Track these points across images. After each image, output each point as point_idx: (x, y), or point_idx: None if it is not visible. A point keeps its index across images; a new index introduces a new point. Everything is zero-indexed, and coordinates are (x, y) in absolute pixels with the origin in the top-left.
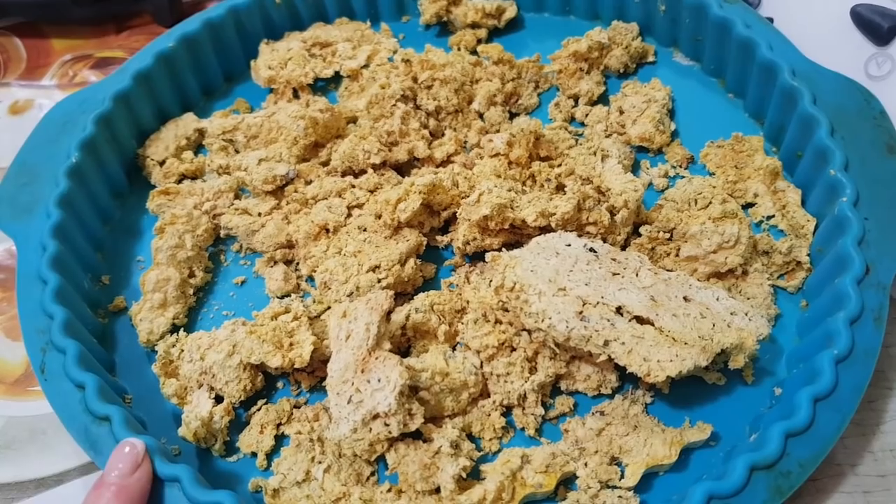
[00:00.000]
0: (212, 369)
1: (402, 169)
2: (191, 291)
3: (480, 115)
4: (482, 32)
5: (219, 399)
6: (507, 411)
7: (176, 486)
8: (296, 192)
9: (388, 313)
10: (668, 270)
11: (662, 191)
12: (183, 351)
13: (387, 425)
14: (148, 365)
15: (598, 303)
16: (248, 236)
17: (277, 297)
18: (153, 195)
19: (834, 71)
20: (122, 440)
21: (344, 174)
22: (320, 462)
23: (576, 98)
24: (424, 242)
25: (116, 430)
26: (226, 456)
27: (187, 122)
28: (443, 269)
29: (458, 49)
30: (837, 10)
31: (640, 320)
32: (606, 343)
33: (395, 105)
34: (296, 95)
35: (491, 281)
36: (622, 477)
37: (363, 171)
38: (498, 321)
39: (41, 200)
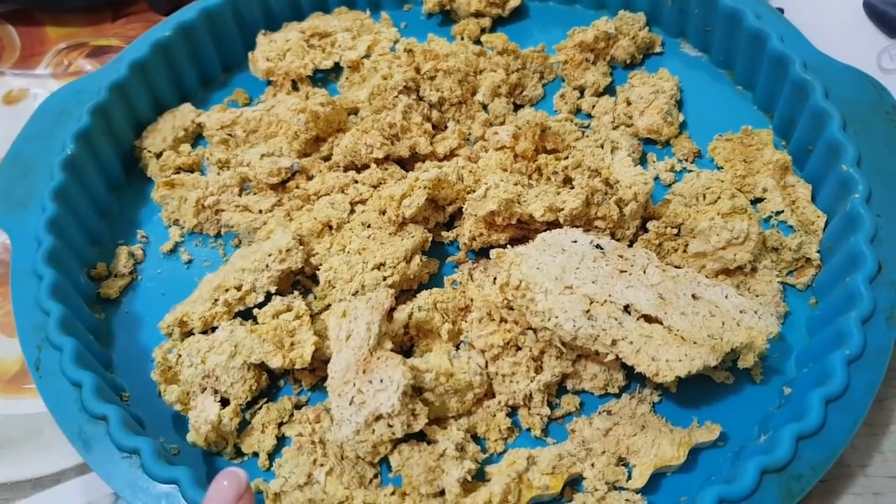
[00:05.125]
0: (215, 372)
1: (405, 162)
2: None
3: (484, 107)
4: (486, 21)
5: (223, 401)
6: (512, 411)
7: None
8: (297, 187)
9: (391, 312)
10: (675, 267)
11: (669, 185)
12: (181, 356)
13: (390, 426)
14: (147, 361)
15: (605, 301)
16: (250, 234)
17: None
18: (158, 185)
19: (846, 63)
20: (222, 472)
21: (346, 169)
22: (322, 464)
23: (581, 89)
24: (430, 239)
25: (113, 430)
26: (234, 458)
27: (185, 114)
28: (445, 266)
29: (462, 38)
30: (850, 1)
31: (649, 319)
32: (614, 342)
33: (397, 97)
34: (295, 87)
35: (495, 278)
36: (629, 478)
37: (366, 166)
38: (503, 320)
39: (36, 193)
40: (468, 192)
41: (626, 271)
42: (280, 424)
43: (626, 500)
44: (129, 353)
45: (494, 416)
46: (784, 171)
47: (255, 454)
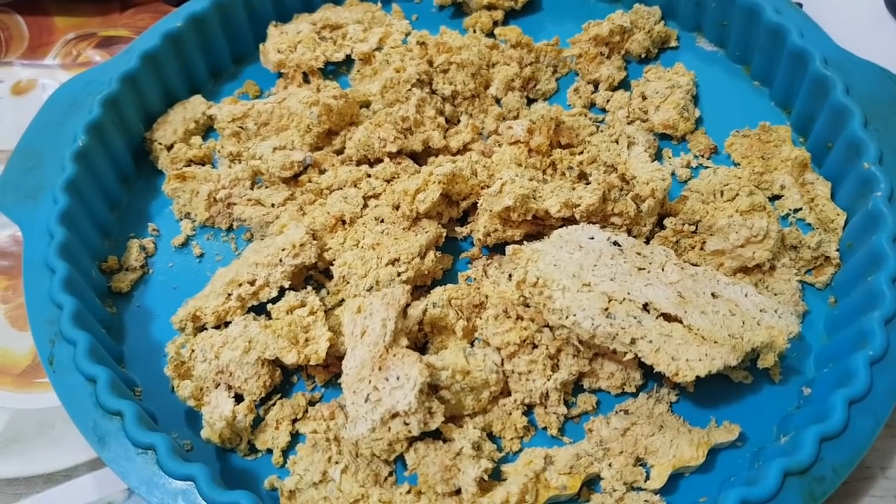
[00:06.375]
0: (228, 367)
1: (418, 157)
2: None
3: (497, 101)
4: (498, 14)
5: (237, 397)
6: (528, 410)
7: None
8: (310, 181)
9: (405, 308)
10: (693, 265)
11: (685, 181)
12: (194, 351)
13: (406, 424)
14: (158, 356)
15: (624, 299)
16: (262, 228)
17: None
18: (169, 178)
19: (866, 60)
20: None
21: (359, 163)
22: (337, 462)
23: (596, 83)
24: (444, 234)
25: (128, 426)
26: (248, 455)
27: (195, 105)
28: (459, 261)
29: (474, 31)
30: None
31: (668, 317)
32: (633, 341)
33: (410, 90)
34: (306, 80)
35: (511, 275)
36: (647, 478)
37: (379, 160)
38: (519, 317)
39: (47, 185)
40: (482, 188)
41: (644, 269)
42: (294, 421)
43: (645, 500)
44: (140, 347)
45: (510, 414)
46: (803, 168)
47: (269, 451)
